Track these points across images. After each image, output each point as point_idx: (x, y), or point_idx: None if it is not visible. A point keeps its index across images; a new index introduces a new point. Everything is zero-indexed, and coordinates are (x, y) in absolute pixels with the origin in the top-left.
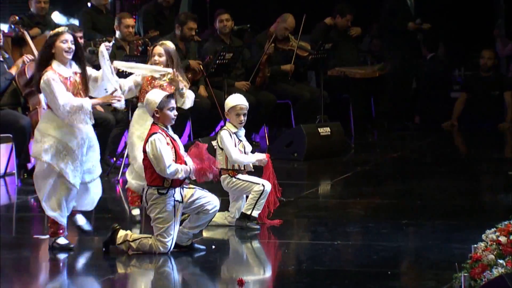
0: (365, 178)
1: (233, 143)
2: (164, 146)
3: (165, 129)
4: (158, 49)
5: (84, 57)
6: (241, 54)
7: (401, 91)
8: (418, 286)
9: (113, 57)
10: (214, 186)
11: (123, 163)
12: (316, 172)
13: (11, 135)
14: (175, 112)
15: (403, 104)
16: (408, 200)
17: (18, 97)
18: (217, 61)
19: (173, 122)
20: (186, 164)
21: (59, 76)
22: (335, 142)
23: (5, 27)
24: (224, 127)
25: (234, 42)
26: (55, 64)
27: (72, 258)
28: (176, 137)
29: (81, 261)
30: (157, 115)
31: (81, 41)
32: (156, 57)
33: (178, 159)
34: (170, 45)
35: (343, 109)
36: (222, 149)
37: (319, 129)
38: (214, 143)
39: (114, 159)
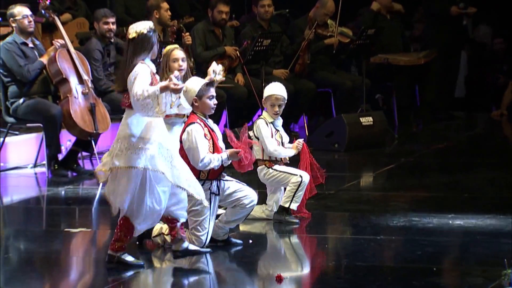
0: (409, 170)
1: (270, 133)
2: (201, 137)
3: (204, 119)
4: (180, 53)
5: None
6: (280, 40)
7: (447, 79)
8: (464, 283)
9: None
10: (251, 178)
11: None
12: (357, 164)
13: (41, 125)
14: (214, 101)
15: (449, 93)
16: (454, 193)
17: (49, 86)
18: (255, 48)
19: (213, 111)
20: None
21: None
22: (378, 133)
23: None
24: (261, 116)
25: (273, 28)
26: (147, 60)
27: (104, 252)
28: (215, 127)
29: None
30: (196, 104)
31: (114, 26)
32: (181, 62)
33: (215, 151)
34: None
35: (386, 98)
36: (258, 138)
37: (361, 118)
38: (251, 133)
39: None
